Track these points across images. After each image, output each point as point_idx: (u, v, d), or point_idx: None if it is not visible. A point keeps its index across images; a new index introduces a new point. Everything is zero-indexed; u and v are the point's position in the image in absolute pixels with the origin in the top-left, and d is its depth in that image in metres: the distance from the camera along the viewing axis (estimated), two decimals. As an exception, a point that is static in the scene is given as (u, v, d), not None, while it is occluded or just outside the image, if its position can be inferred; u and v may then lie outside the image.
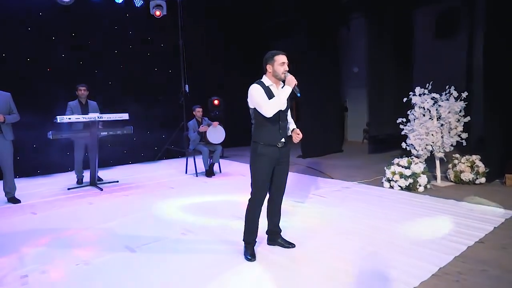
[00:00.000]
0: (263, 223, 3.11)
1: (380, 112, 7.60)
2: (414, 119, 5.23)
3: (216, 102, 8.43)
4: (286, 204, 4.44)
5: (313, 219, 3.92)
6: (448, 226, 3.52)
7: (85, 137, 5.65)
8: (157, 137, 8.32)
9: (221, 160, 8.02)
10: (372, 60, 7.55)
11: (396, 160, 5.11)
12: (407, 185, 4.89)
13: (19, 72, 6.50)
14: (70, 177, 6.34)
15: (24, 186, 5.86)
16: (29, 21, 6.61)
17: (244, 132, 9.93)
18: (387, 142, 7.63)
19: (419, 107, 5.16)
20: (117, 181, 6.11)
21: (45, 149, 6.70)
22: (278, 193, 3.10)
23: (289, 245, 3.15)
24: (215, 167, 6.68)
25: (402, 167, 4.97)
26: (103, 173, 6.69)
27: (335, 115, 8.62)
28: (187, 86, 8.53)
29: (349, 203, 4.43)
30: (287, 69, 2.88)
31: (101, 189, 5.54)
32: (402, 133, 5.40)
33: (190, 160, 6.71)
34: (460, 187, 5.01)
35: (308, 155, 7.97)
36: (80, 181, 6.07)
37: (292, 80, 2.83)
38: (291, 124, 3.13)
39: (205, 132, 6.37)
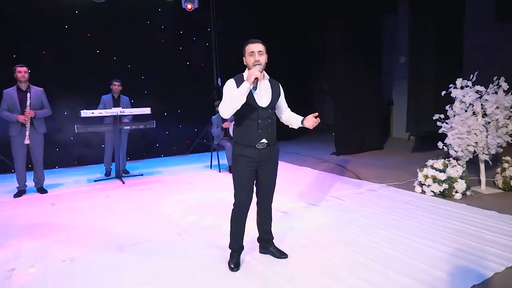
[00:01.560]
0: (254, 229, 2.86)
1: (425, 106, 6.83)
2: (454, 115, 4.57)
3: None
4: (298, 206, 4.16)
5: (320, 225, 3.57)
6: (477, 246, 2.97)
7: (114, 130, 5.76)
8: (189, 131, 8.35)
9: None
10: (415, 48, 6.77)
11: (430, 162, 4.52)
12: (441, 190, 4.29)
13: (58, 68, 6.83)
14: (103, 169, 6.54)
15: (57, 177, 6.17)
16: (66, 19, 6.90)
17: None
18: (434, 140, 6.86)
19: (460, 101, 4.50)
20: (142, 175, 6.20)
21: (84, 141, 7.01)
22: (264, 197, 2.82)
23: (281, 255, 2.86)
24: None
25: (436, 170, 4.37)
26: (132, 166, 6.85)
27: (376, 109, 7.95)
28: (219, 79, 8.43)
29: (368, 209, 3.98)
30: (257, 59, 2.56)
31: (123, 182, 5.63)
32: (440, 131, 4.76)
33: (215, 155, 6.59)
34: (508, 196, 4.29)
35: (342, 152, 7.47)
36: (108, 173, 6.25)
37: (250, 75, 2.47)
38: (294, 118, 2.80)
39: (229, 127, 6.21)
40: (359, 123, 7.62)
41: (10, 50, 6.42)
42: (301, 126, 2.76)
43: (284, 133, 9.82)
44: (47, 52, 6.79)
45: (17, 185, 5.06)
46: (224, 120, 6.30)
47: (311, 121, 2.65)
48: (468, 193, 4.28)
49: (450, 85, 4.58)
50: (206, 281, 2.54)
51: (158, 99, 7.70)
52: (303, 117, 2.75)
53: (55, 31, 6.79)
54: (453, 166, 4.33)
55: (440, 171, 4.34)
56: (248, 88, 2.44)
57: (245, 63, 2.64)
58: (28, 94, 4.80)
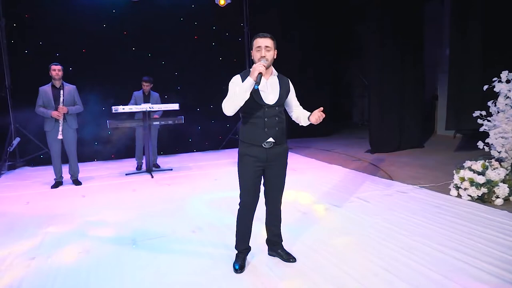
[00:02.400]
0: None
1: (467, 101, 6.27)
2: (498, 112, 4.13)
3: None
4: (319, 207, 3.99)
5: (338, 228, 3.38)
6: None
7: (143, 125, 5.92)
8: (222, 126, 8.37)
9: None
10: (457, 38, 6.20)
11: (468, 163, 4.13)
12: (479, 195, 3.91)
13: (98, 65, 7.13)
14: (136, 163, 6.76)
15: (94, 169, 6.46)
16: (104, 18, 7.17)
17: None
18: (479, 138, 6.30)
19: (505, 96, 4.05)
20: (171, 169, 6.31)
21: (120, 135, 7.29)
22: (271, 199, 2.71)
23: (289, 258, 2.74)
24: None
25: (475, 172, 3.98)
26: (164, 160, 7.01)
27: (417, 104, 7.44)
28: (252, 74, 8.35)
29: (393, 212, 3.72)
30: (263, 55, 2.43)
31: (152, 177, 5.77)
32: (481, 129, 4.33)
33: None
34: (560, 203, 3.81)
35: (377, 150, 7.10)
36: (139, 167, 6.45)
37: (254, 69, 2.35)
38: (302, 115, 2.66)
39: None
40: (398, 119, 7.19)
41: (54, 49, 6.79)
42: (310, 123, 2.61)
43: (319, 130, 9.67)
44: (87, 50, 7.10)
45: (54, 177, 5.37)
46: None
47: (315, 116, 2.50)
48: (511, 198, 3.86)
49: (494, 79, 4.14)
50: (206, 282, 2.50)
51: (191, 95, 7.81)
52: (310, 113, 2.59)
53: (95, 30, 7.08)
54: (494, 169, 3.92)
55: (479, 173, 3.94)
56: (251, 83, 2.34)
57: (252, 58, 2.53)
58: (61, 91, 5.04)
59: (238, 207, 2.67)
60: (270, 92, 2.52)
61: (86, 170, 6.26)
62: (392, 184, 4.86)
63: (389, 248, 2.89)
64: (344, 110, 13.02)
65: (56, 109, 4.99)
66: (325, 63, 9.66)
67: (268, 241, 2.84)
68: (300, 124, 2.72)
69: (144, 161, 6.35)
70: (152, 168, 6.12)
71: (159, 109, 5.80)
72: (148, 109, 5.65)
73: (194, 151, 8.21)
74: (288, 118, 2.70)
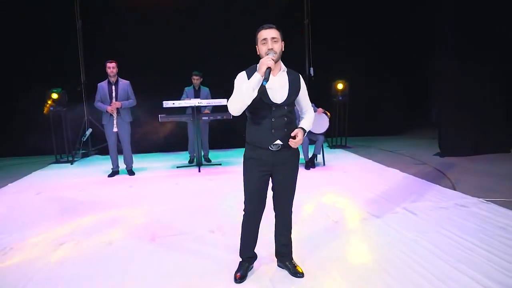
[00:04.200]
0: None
1: None
2: None
3: (340, 86, 7.57)
4: (355, 216, 3.61)
5: (367, 244, 2.99)
6: None
7: (193, 120, 6.04)
8: (279, 122, 8.18)
9: (339, 151, 7.32)
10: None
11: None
12: (562, 217, 3.12)
13: (156, 61, 7.49)
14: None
15: (151, 161, 6.82)
16: (163, 15, 7.47)
17: (373, 119, 8.69)
18: None
19: None
20: (220, 164, 6.35)
21: (180, 129, 7.59)
22: (279, 206, 2.48)
23: (296, 274, 2.48)
24: (317, 159, 6.08)
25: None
26: (217, 155, 7.10)
27: (502, 100, 6.35)
28: (312, 69, 8.00)
29: (441, 230, 3.17)
30: (271, 47, 2.19)
31: (199, 171, 5.87)
32: None
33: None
34: None
35: (448, 153, 6.25)
36: (191, 161, 6.62)
37: (262, 64, 2.12)
38: (304, 120, 2.41)
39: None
40: (476, 117, 6.20)
41: (122, 46, 7.29)
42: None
43: (387, 128, 8.91)
44: (146, 46, 7.48)
45: (111, 167, 5.77)
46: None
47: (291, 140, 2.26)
48: None
49: None
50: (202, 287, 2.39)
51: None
52: (300, 128, 2.32)
53: (152, 26, 7.41)
54: None
55: None
56: (259, 80, 2.12)
57: (258, 53, 2.31)
58: (113, 87, 5.36)
59: (243, 214, 2.49)
60: (278, 90, 2.28)
61: (143, 161, 6.64)
62: (453, 195, 4.19)
63: (420, 275, 2.44)
64: (421, 106, 11.81)
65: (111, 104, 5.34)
66: (399, 58, 8.80)
67: (276, 252, 2.61)
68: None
69: (195, 154, 6.49)
70: (202, 162, 6.23)
71: (208, 104, 5.85)
72: (197, 104, 5.72)
73: (248, 146, 8.16)
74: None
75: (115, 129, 5.43)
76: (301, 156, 5.98)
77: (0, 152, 7.36)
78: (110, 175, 5.69)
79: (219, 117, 5.99)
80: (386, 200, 4.07)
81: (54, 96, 6.60)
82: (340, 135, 7.83)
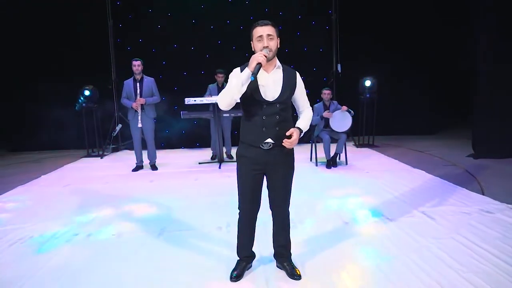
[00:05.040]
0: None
1: None
2: None
3: (368, 83, 7.31)
4: (368, 218, 3.47)
5: (372, 248, 2.87)
6: None
7: (219, 117, 6.08)
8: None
9: (366, 150, 7.11)
10: None
11: None
12: None
13: (182, 58, 7.61)
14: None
15: (176, 156, 6.97)
16: (193, 15, 7.58)
17: (404, 118, 8.30)
18: None
19: None
20: (241, 161, 6.35)
21: (205, 125, 7.71)
22: (274, 206, 2.44)
23: (293, 276, 2.43)
24: (340, 158, 5.92)
25: None
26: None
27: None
28: (339, 65, 7.79)
29: (458, 237, 2.97)
30: (266, 44, 2.15)
31: (220, 167, 5.92)
32: None
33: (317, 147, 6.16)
34: None
35: (482, 154, 5.85)
36: (214, 157, 6.69)
37: (252, 60, 2.07)
38: (300, 120, 2.36)
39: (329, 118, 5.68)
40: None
41: (151, 45, 7.50)
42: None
43: (420, 126, 8.48)
44: (173, 44, 7.63)
45: (136, 161, 5.96)
46: (325, 108, 5.80)
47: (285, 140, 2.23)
48: None
49: None
50: (197, 285, 2.39)
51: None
52: (296, 127, 2.29)
53: (183, 26, 7.55)
54: None
55: None
56: (248, 75, 2.09)
57: (253, 49, 2.27)
58: (138, 84, 5.52)
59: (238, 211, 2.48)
60: (271, 87, 2.24)
61: (168, 156, 6.81)
62: (479, 199, 3.92)
63: (423, 283, 2.30)
64: (456, 105, 11.16)
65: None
66: (414, 56, 8.34)
67: (274, 253, 2.57)
68: None
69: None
70: (223, 158, 6.28)
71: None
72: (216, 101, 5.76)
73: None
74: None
75: (139, 125, 5.60)
76: (323, 155, 5.87)
77: (40, 145, 7.84)
78: (134, 170, 5.88)
79: (240, 114, 5.98)
80: (405, 203, 3.88)
81: (86, 93, 6.92)
82: (368, 133, 7.57)
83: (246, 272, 2.53)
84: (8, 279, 2.54)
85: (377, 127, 7.55)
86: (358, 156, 6.45)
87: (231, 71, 2.26)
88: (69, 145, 7.69)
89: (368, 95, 7.31)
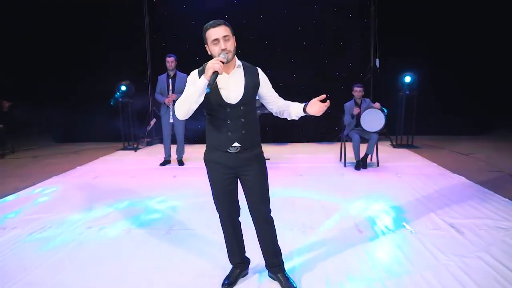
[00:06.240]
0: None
1: None
2: None
3: (408, 78, 6.80)
4: (386, 228, 3.21)
5: (380, 263, 2.63)
6: None
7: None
8: (340, 117, 7.72)
9: (403, 150, 6.71)
10: None
11: None
12: None
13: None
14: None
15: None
16: (226, 10, 7.51)
17: (449, 116, 7.63)
18: None
19: None
20: (268, 159, 6.22)
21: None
22: (253, 211, 2.29)
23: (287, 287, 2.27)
24: (370, 159, 5.59)
25: None
26: (272, 149, 7.00)
27: None
28: (377, 60, 7.34)
29: (487, 256, 2.62)
30: (224, 47, 1.98)
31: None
32: None
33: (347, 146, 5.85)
34: None
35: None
36: (241, 154, 6.63)
37: (208, 68, 1.88)
38: (291, 107, 2.23)
39: (360, 116, 5.36)
40: None
41: (185, 41, 7.56)
42: (304, 115, 2.14)
43: (468, 126, 7.76)
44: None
45: (164, 156, 6.07)
46: (356, 106, 5.47)
47: (316, 107, 2.04)
48: None
49: None
50: (186, 290, 2.34)
51: (308, 82, 7.47)
52: (305, 103, 2.11)
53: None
54: None
55: None
56: (204, 85, 1.90)
57: (209, 54, 2.08)
58: (171, 80, 5.60)
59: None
60: (232, 89, 2.08)
61: (199, 151, 6.80)
62: (521, 212, 3.46)
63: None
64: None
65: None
66: (482, 43, 7.58)
67: (266, 263, 2.41)
68: (289, 119, 2.29)
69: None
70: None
71: (258, 98, 5.75)
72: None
73: (307, 141, 7.87)
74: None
75: (170, 120, 5.68)
76: (352, 155, 5.55)
77: (80, 137, 8.32)
78: (162, 164, 5.98)
79: (266, 112, 5.83)
80: (433, 212, 3.53)
81: (123, 88, 7.17)
82: (406, 133, 7.07)
83: (241, 279, 2.43)
84: (14, 270, 2.65)
85: (418, 126, 7.02)
86: (392, 157, 6.04)
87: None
88: (109, 137, 8.04)
89: (407, 92, 6.81)
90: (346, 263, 2.61)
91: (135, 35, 7.70)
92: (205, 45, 2.08)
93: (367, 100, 5.59)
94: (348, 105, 5.57)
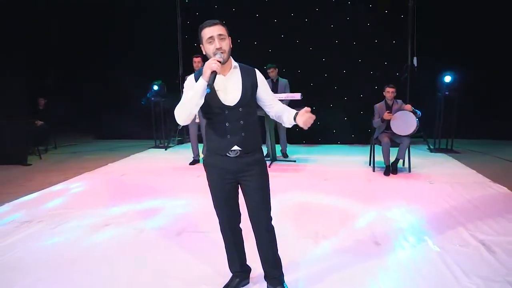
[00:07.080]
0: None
1: None
2: None
3: (447, 78, 6.33)
4: (405, 240, 2.98)
5: (397, 281, 2.42)
6: None
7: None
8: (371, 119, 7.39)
9: (441, 156, 6.30)
10: None
11: None
12: None
13: (244, 54, 7.49)
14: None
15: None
16: (257, 8, 7.44)
17: (492, 118, 7.01)
18: None
19: None
20: (295, 161, 6.10)
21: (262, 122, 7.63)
22: (253, 218, 2.20)
23: (288, 303, 2.17)
24: (404, 164, 5.26)
25: None
26: (300, 150, 6.86)
27: None
28: (415, 58, 6.92)
29: (508, 280, 2.34)
30: (219, 46, 1.91)
31: (269, 166, 5.75)
32: None
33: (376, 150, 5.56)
34: None
35: None
36: (268, 155, 6.52)
37: (206, 68, 1.83)
38: (285, 113, 2.11)
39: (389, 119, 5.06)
40: None
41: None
42: (295, 124, 2.03)
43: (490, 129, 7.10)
44: (242, 40, 7.60)
45: (193, 155, 6.13)
46: (387, 108, 5.18)
47: (304, 118, 1.91)
48: None
49: None
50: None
51: (344, 82, 7.26)
52: (296, 112, 2.01)
53: (249, 20, 7.47)
54: None
55: None
56: (204, 86, 1.86)
57: (204, 53, 2.03)
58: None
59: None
60: (230, 91, 2.01)
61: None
62: None
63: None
64: None
65: None
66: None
67: (265, 275, 2.31)
68: (283, 125, 2.14)
69: (278, 149, 6.39)
70: (275, 157, 6.10)
71: (280, 97, 5.63)
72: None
73: (337, 143, 7.62)
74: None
75: (197, 120, 5.72)
76: (381, 159, 5.27)
77: (114, 134, 8.69)
78: (191, 163, 6.05)
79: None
80: (462, 227, 3.23)
81: (155, 87, 7.35)
82: (446, 136, 6.60)
83: (238, 289, 2.35)
84: (28, 265, 2.77)
85: (460, 129, 6.54)
86: (427, 163, 5.66)
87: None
88: (143, 135, 8.30)
89: (447, 93, 6.35)
90: (355, 279, 2.44)
91: (167, 36, 7.86)
92: (200, 45, 2.04)
93: (399, 101, 5.27)
94: (377, 106, 5.29)
